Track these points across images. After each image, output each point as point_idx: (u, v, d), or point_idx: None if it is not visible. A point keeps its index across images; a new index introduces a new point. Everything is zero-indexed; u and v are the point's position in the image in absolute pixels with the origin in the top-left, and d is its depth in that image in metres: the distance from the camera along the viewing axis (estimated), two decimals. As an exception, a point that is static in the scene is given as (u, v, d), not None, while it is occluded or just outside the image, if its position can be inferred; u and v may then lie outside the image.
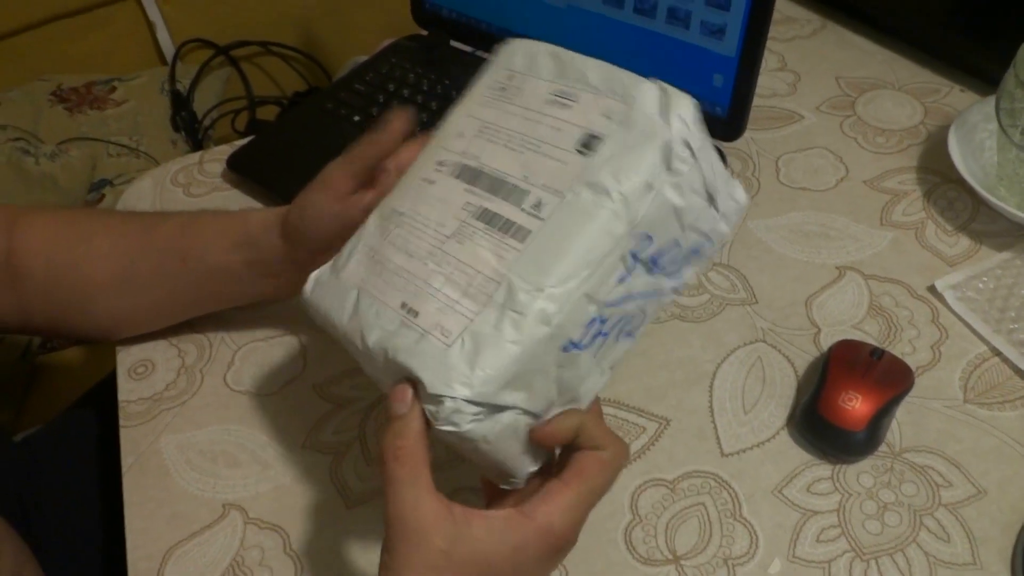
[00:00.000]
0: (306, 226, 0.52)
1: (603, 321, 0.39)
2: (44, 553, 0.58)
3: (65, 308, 0.58)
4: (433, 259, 0.40)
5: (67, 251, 0.58)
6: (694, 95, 0.69)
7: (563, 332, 0.38)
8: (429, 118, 0.75)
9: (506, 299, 0.37)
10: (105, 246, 0.58)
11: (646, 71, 0.71)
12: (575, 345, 0.38)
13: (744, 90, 0.66)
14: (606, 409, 0.56)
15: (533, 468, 0.41)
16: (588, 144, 0.39)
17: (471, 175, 0.42)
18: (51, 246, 0.58)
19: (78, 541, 0.64)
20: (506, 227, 0.39)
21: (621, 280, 0.39)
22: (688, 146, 0.38)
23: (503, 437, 0.38)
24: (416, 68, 0.80)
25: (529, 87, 0.43)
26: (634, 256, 0.38)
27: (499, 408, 0.37)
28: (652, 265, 0.39)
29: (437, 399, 0.36)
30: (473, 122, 0.44)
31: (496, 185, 0.41)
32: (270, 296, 0.59)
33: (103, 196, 1.08)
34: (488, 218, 0.40)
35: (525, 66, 0.44)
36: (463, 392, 0.36)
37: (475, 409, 0.36)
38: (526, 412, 0.38)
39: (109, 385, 0.71)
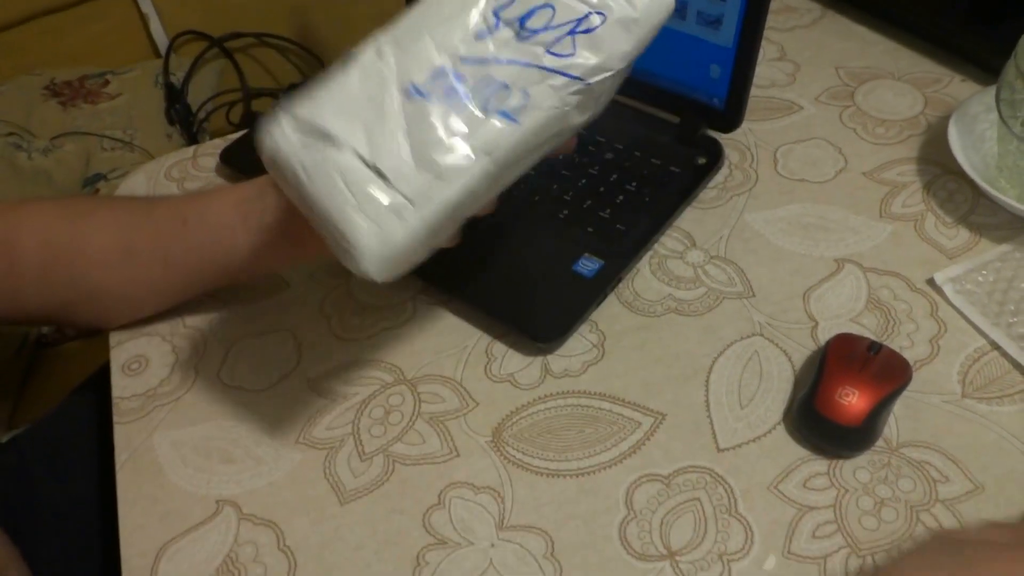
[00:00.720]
0: None
1: (458, 77, 0.37)
2: (36, 551, 0.58)
3: (62, 289, 0.58)
4: None
5: (67, 228, 0.58)
6: (691, 86, 0.69)
7: (401, 69, 0.37)
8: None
9: (363, 47, 0.38)
10: (107, 219, 0.58)
11: (644, 62, 0.70)
12: (417, 91, 0.37)
13: (741, 81, 0.66)
14: (600, 403, 0.56)
15: (373, 240, 0.38)
16: None
17: None
18: (50, 226, 0.58)
19: (72, 539, 0.64)
20: None
21: (479, 37, 0.37)
22: None
23: (323, 174, 0.37)
24: (411, 60, 0.79)
25: None
26: (496, 14, 0.37)
27: (326, 136, 0.37)
28: (520, 28, 0.38)
29: (275, 122, 0.37)
30: None
31: None
32: (270, 265, 0.59)
33: (97, 191, 1.08)
34: None
35: None
36: (291, 112, 0.37)
37: (298, 134, 0.37)
38: (360, 157, 0.37)
39: (102, 378, 0.71)
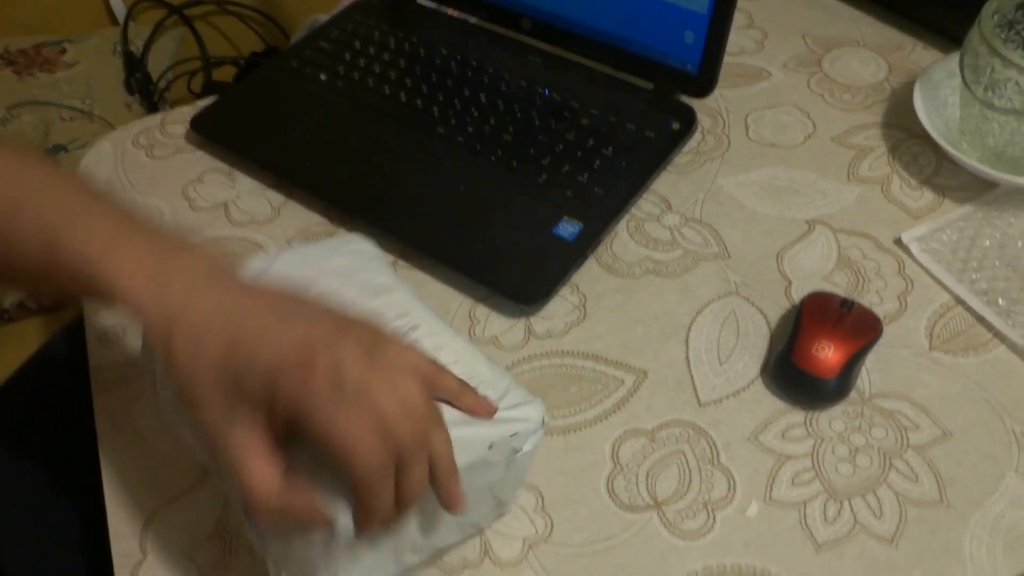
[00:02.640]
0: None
1: None
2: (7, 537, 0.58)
3: None
4: None
5: None
6: (665, 52, 0.69)
7: None
8: (397, 75, 0.74)
9: None
10: None
11: (619, 28, 0.71)
12: None
13: (715, 47, 0.67)
14: (583, 363, 0.57)
15: None
16: None
17: None
18: None
19: (48, 515, 0.63)
20: None
21: None
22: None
23: None
24: (382, 26, 0.79)
25: None
26: None
27: None
28: None
29: None
30: None
31: None
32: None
33: (58, 163, 1.05)
34: None
35: None
36: None
37: None
38: None
39: (62, 344, 0.69)
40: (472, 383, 0.43)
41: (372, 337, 0.38)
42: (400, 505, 0.38)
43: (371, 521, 0.38)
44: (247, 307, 0.39)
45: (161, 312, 0.38)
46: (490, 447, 0.42)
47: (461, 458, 0.40)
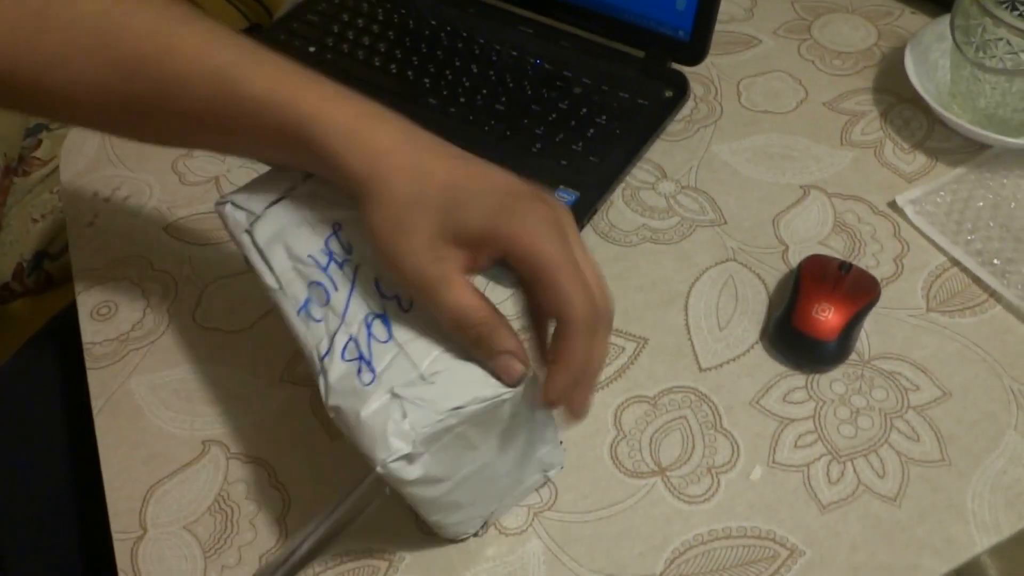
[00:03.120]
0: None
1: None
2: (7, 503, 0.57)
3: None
4: None
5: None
6: (657, 19, 0.69)
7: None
8: (387, 47, 0.73)
9: None
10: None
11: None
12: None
13: (707, 13, 0.66)
14: (584, 331, 0.57)
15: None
16: None
17: None
18: None
19: (44, 494, 0.62)
20: None
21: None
22: None
23: None
24: (369, -3, 0.78)
25: None
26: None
27: None
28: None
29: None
30: None
31: None
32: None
33: (40, 142, 1.03)
34: None
35: None
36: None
37: None
38: None
39: (57, 330, 0.69)
40: None
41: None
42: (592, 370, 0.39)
43: (575, 373, 0.38)
44: (459, 156, 0.39)
45: (375, 146, 0.38)
46: (542, 454, 0.45)
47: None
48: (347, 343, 0.39)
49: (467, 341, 0.38)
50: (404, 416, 0.37)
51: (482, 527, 0.48)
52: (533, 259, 0.36)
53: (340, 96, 0.40)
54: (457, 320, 0.37)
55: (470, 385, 0.38)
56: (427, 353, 0.38)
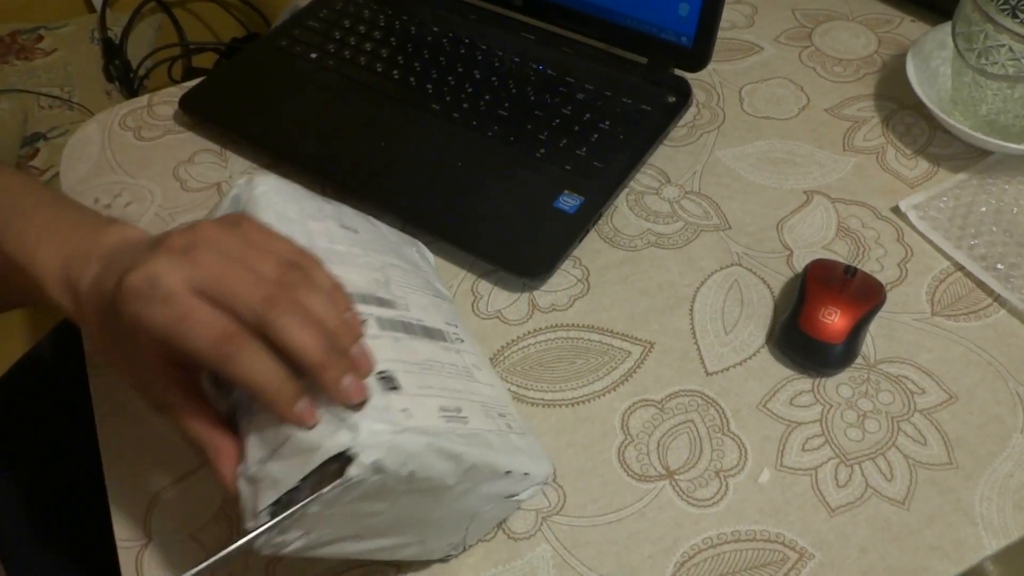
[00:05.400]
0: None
1: None
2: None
3: None
4: None
5: None
6: (660, 25, 0.69)
7: None
8: (389, 53, 0.73)
9: None
10: None
11: (612, 2, 0.70)
12: None
13: (710, 20, 0.66)
14: (589, 335, 0.56)
15: None
16: None
17: None
18: None
19: (47, 497, 0.62)
20: None
21: None
22: None
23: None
24: (371, 4, 0.78)
25: None
26: None
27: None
28: None
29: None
30: None
31: None
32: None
33: (37, 151, 1.03)
34: None
35: None
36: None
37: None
38: None
39: (59, 336, 0.68)
40: (500, 407, 0.43)
41: (188, 234, 0.37)
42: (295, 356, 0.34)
43: (272, 397, 0.34)
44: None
45: (70, 295, 0.39)
46: (507, 473, 0.42)
47: (485, 462, 0.40)
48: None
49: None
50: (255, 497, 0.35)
51: (458, 549, 0.47)
52: (191, 360, 0.35)
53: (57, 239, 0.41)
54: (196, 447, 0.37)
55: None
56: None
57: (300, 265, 0.37)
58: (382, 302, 0.43)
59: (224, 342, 0.34)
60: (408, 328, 0.43)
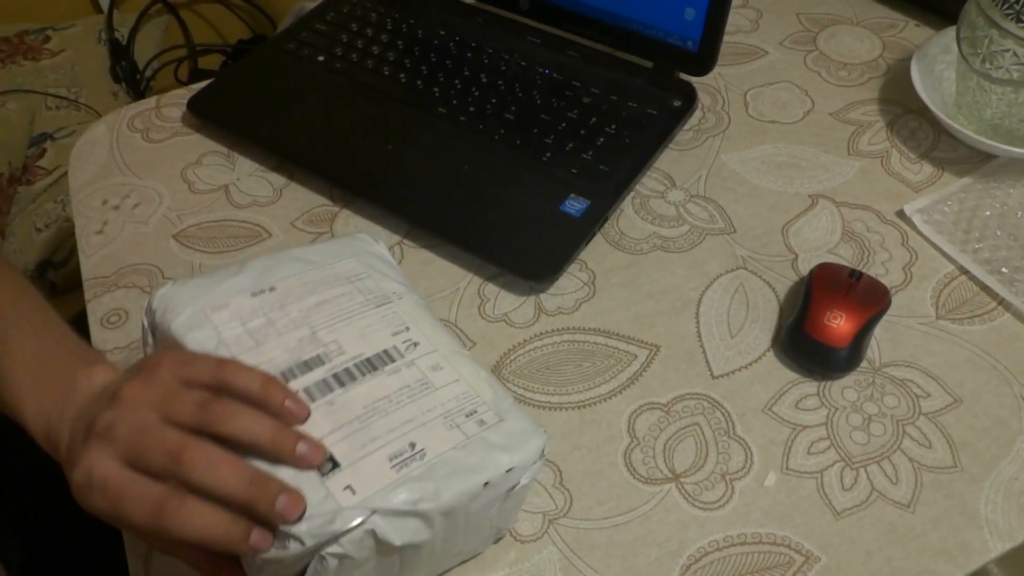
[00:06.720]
0: None
1: None
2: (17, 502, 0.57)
3: None
4: None
5: None
6: (666, 29, 0.69)
7: None
8: (396, 56, 0.73)
9: None
10: None
11: (618, 7, 0.71)
12: None
13: (715, 24, 0.67)
14: (595, 338, 0.57)
15: None
16: None
17: None
18: None
19: (54, 503, 0.62)
20: None
21: None
22: None
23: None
24: (378, 7, 0.78)
25: None
26: None
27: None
28: None
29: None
30: None
31: None
32: None
33: (44, 151, 1.03)
34: None
35: None
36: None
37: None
38: None
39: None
40: (469, 404, 0.42)
41: (109, 411, 0.38)
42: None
43: (224, 543, 0.36)
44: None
45: (56, 454, 0.41)
46: (486, 484, 0.40)
47: (457, 493, 0.39)
48: None
49: None
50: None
51: (491, 541, 0.48)
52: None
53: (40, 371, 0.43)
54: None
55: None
56: None
57: (222, 382, 0.39)
58: (308, 365, 0.42)
59: (159, 512, 0.36)
60: (342, 378, 0.42)
